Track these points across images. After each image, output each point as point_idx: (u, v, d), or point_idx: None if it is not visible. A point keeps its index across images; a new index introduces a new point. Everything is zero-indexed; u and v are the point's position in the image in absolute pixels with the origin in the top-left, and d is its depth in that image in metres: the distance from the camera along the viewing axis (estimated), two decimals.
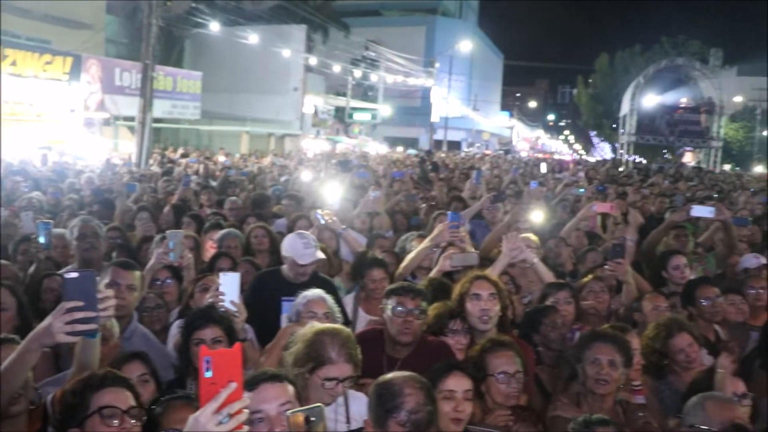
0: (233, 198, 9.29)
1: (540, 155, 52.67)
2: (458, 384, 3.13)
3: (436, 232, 5.27)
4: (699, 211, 6.48)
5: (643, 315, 4.80)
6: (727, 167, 49.96)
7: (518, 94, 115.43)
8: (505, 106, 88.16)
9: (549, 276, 5.19)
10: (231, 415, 1.90)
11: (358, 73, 43.10)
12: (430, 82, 49.54)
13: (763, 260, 6.25)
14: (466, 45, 51.73)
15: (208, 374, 1.90)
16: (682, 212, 6.57)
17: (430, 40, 62.35)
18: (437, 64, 50.44)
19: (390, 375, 2.81)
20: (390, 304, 3.83)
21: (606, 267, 5.11)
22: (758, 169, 50.82)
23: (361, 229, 7.68)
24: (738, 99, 60.03)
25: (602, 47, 66.27)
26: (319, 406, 2.46)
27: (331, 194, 6.80)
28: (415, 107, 55.51)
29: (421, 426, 2.61)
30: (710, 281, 5.44)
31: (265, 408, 2.54)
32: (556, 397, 3.64)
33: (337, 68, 39.49)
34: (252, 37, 29.31)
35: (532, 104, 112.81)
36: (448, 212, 5.66)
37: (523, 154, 54.63)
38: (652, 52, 58.94)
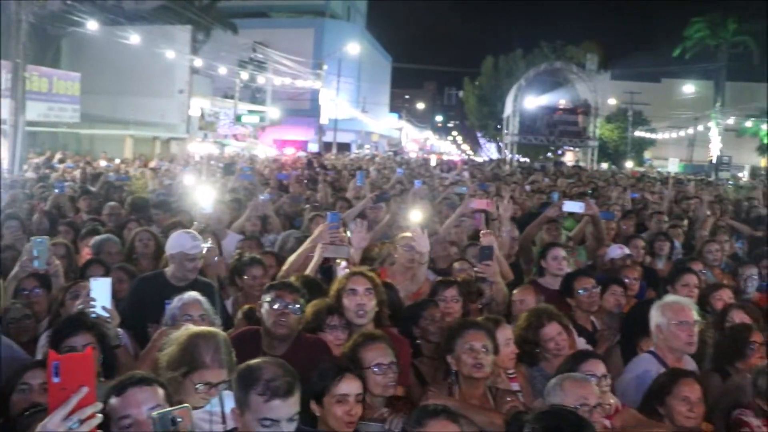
0: (112, 203, 9.01)
1: (428, 156, 53.62)
2: (351, 387, 3.18)
3: (316, 232, 5.31)
4: (570, 206, 6.80)
5: (518, 307, 5.02)
6: (604, 165, 52.56)
7: (407, 96, 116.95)
8: (393, 108, 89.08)
9: (422, 275, 5.27)
10: (82, 421, 1.88)
11: (245, 75, 42.53)
12: (319, 84, 49.47)
13: (627, 251, 6.64)
14: (354, 47, 51.97)
15: (56, 380, 1.88)
16: (555, 207, 6.88)
17: (319, 43, 62.24)
18: (325, 67, 50.43)
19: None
20: (268, 298, 3.85)
21: (475, 269, 5.30)
22: (628, 164, 53.79)
23: (253, 232, 7.68)
24: (612, 101, 63.38)
25: (487, 51, 68.02)
26: (185, 407, 2.44)
27: (205, 197, 6.70)
28: (304, 109, 55.27)
29: (279, 392, 2.63)
30: (587, 273, 5.74)
31: (133, 412, 2.50)
32: (428, 387, 3.75)
33: (223, 70, 38.82)
34: (134, 37, 28.37)
35: (421, 106, 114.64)
36: (328, 213, 5.72)
37: (413, 155, 55.43)
38: (533, 56, 61.16)
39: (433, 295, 4.88)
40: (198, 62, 37.27)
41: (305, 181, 13.86)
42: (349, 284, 4.23)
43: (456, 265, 6.00)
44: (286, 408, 2.66)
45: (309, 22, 65.56)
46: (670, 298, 4.46)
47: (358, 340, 3.65)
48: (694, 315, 4.22)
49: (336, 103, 53.51)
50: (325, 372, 3.22)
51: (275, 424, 2.64)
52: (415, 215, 5.82)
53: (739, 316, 4.82)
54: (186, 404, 2.50)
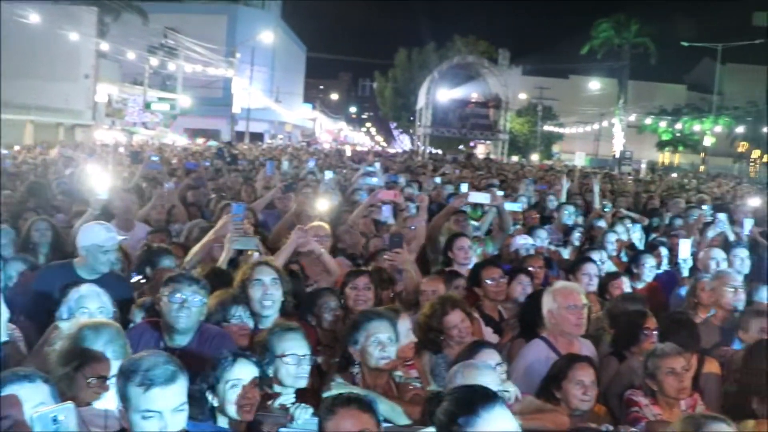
0: (7, 192, 8.61)
1: (343, 147, 53.64)
2: (244, 372, 3.14)
3: (219, 224, 5.23)
4: (476, 197, 6.92)
5: (429, 296, 5.06)
6: (515, 158, 53.85)
7: (321, 87, 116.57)
8: (308, 99, 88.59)
9: (334, 266, 5.34)
10: None
11: (155, 61, 41.37)
12: (231, 72, 48.65)
13: (531, 241, 6.83)
14: (268, 36, 51.34)
15: None
16: (461, 198, 6.99)
17: (232, 30, 61.10)
18: (238, 55, 49.62)
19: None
20: (166, 291, 3.75)
21: (385, 256, 5.33)
22: (534, 157, 55.40)
23: (158, 220, 7.53)
24: (522, 96, 65.03)
25: (401, 43, 68.25)
26: (68, 405, 2.34)
27: (102, 184, 6.47)
28: (216, 98, 54.11)
29: (158, 381, 2.47)
30: (495, 263, 5.85)
31: (13, 412, 2.38)
32: (331, 377, 3.74)
33: (132, 55, 37.64)
34: (33, 16, 27.10)
35: (335, 97, 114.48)
36: (233, 204, 5.63)
37: (326, 146, 55.28)
38: (446, 49, 61.93)
39: (345, 284, 4.87)
40: (105, 46, 36.05)
41: (214, 170, 13.60)
42: (254, 274, 4.18)
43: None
44: (168, 397, 2.48)
45: (222, 8, 64.21)
46: (559, 284, 4.62)
47: (274, 330, 3.60)
48: (583, 299, 4.38)
49: (249, 92, 52.75)
50: (218, 360, 3.17)
51: (157, 415, 2.46)
52: (322, 205, 5.81)
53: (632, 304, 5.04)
54: (69, 402, 2.40)
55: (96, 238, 4.73)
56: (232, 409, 3.10)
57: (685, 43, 53.65)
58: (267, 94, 63.29)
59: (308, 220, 6.16)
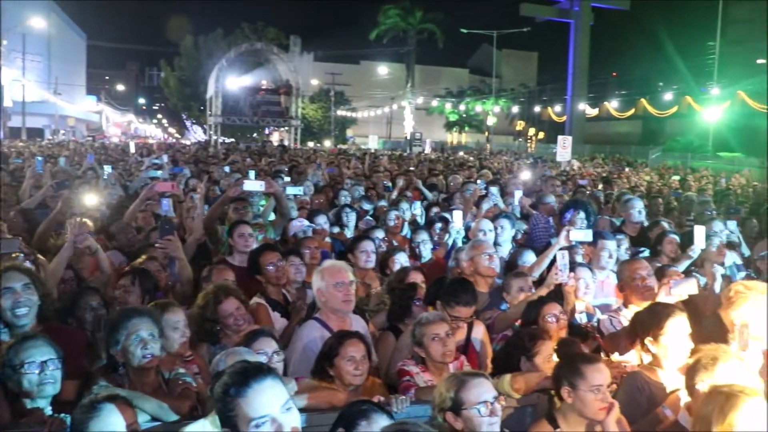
0: None
1: (128, 140, 51.19)
2: None
3: None
4: (250, 185, 6.87)
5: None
6: (310, 144, 54.34)
7: (107, 77, 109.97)
8: (92, 90, 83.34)
9: (106, 264, 5.16)
10: None
11: None
12: None
13: (307, 223, 6.93)
14: (39, 22, 47.52)
15: None
16: (236, 187, 6.91)
17: None
18: (5, 42, 45.44)
19: None
20: None
21: (156, 245, 5.13)
22: (328, 143, 56.39)
23: None
24: (314, 82, 65.69)
25: (188, 30, 66.09)
26: None
27: None
28: None
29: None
30: (274, 248, 5.82)
31: None
32: (97, 380, 3.53)
33: None
34: None
35: (122, 88, 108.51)
36: None
37: (115, 140, 52.41)
38: (235, 36, 60.95)
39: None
40: None
41: None
42: (2, 282, 3.83)
43: None
44: None
45: None
46: (327, 262, 4.69)
47: (11, 342, 3.37)
48: (350, 276, 4.47)
49: (22, 83, 48.62)
50: None
51: None
52: (90, 201, 5.49)
53: (415, 277, 5.25)
54: None
55: None
56: None
57: (464, 30, 56.84)
58: (44, 85, 58.74)
59: (76, 219, 5.80)
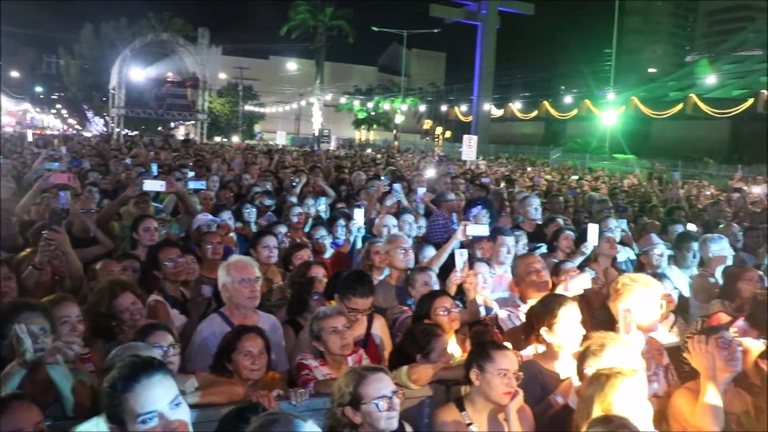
0: None
1: (24, 130, 48.87)
2: None
3: None
4: (150, 185, 6.74)
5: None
6: (217, 139, 53.35)
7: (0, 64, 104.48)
8: None
9: None
10: None
11: None
12: None
13: (211, 217, 6.85)
14: None
15: None
16: (136, 186, 6.76)
17: None
18: None
19: None
20: None
21: (44, 235, 4.92)
22: (235, 138, 55.55)
23: None
24: (223, 76, 64.56)
25: (89, 17, 63.54)
26: None
27: None
28: None
29: None
30: (173, 243, 5.72)
31: None
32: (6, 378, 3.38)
33: None
34: None
35: (16, 75, 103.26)
36: None
37: (9, 130, 49.88)
38: (140, 26, 59.12)
39: None
40: None
41: None
42: None
43: None
44: None
45: None
46: (233, 258, 4.65)
47: None
48: (256, 272, 4.46)
49: None
50: None
51: None
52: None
53: (316, 271, 5.26)
54: None
55: None
56: None
57: (374, 28, 57.16)
58: None
59: None
